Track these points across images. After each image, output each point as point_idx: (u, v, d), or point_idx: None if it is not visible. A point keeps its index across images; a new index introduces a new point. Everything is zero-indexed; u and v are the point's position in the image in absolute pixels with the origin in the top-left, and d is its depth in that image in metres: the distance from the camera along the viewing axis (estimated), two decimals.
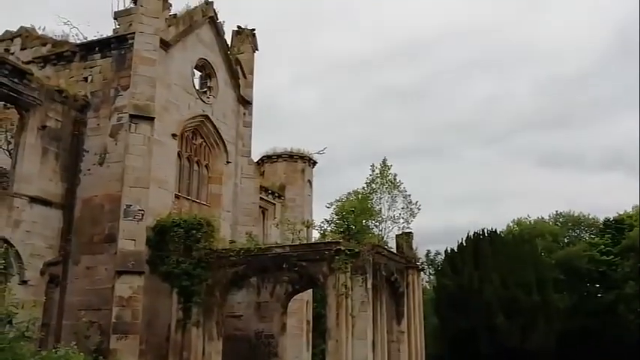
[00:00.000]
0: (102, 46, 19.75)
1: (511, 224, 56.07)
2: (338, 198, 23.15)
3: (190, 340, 17.94)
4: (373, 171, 24.73)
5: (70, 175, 18.50)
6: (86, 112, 19.15)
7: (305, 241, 20.60)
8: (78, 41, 20.23)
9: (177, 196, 20.60)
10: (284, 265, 18.38)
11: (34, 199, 17.15)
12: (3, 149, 18.87)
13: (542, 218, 56.44)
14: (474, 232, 44.08)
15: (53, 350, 11.38)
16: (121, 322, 16.76)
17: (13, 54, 19.86)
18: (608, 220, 50.23)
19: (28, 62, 19.64)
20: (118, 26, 19.74)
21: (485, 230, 44.18)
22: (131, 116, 18.34)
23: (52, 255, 17.58)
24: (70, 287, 17.79)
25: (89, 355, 12.99)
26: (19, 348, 10.52)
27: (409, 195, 24.43)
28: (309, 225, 22.98)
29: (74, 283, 17.81)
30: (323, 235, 20.13)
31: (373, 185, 24.19)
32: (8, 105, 18.20)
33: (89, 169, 18.70)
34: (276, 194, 29.54)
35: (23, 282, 16.34)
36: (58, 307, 17.51)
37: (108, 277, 17.38)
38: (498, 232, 45.82)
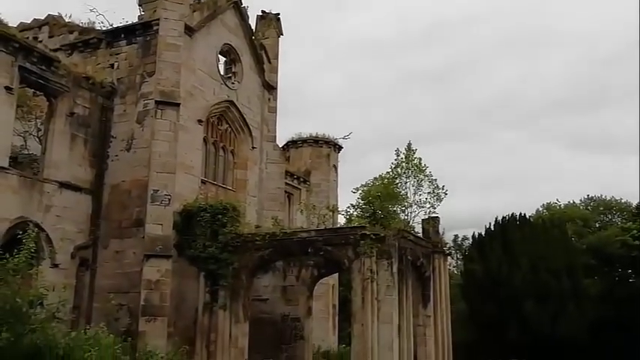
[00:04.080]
0: (127, 32, 19.92)
1: (540, 209, 55.17)
2: (364, 183, 23.03)
3: (217, 322, 18.20)
4: (398, 155, 24.46)
5: (99, 161, 18.79)
6: (113, 99, 19.39)
7: (330, 226, 20.62)
8: (104, 28, 20.46)
9: (203, 182, 20.77)
10: (309, 250, 18.47)
11: (63, 185, 17.47)
12: (33, 136, 19.21)
13: (573, 202, 55.38)
14: (502, 217, 43.55)
15: (83, 331, 11.59)
16: (150, 304, 17.04)
17: (41, 42, 20.15)
18: None
19: (56, 50, 19.92)
20: (142, 13, 19.87)
21: (514, 214, 43.61)
22: (157, 102, 18.48)
23: (82, 239, 17.94)
24: (99, 270, 18.15)
25: (118, 337, 13.20)
26: (50, 329, 10.75)
27: (435, 179, 24.11)
28: (334, 210, 22.97)
29: (104, 266, 18.16)
30: (349, 221, 20.08)
31: (398, 170, 23.95)
32: (37, 92, 18.50)
33: (117, 155, 18.97)
34: (302, 179, 29.62)
35: (54, 265, 16.70)
36: (89, 290, 17.89)
37: (136, 260, 17.66)
38: (527, 216, 45.17)
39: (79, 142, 18.20)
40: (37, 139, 18.95)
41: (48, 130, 17.73)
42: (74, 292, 17.21)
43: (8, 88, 15.91)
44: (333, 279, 28.04)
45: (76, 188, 17.92)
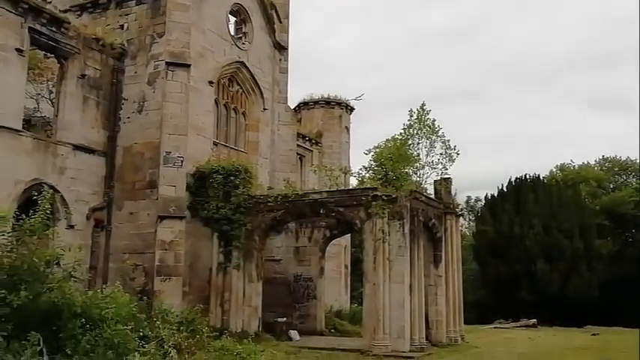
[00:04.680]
0: None
1: (554, 170, 54.82)
2: (376, 144, 22.78)
3: (231, 282, 18.51)
4: (411, 116, 24.18)
5: (111, 123, 18.80)
6: (123, 60, 19.26)
7: (342, 188, 20.64)
8: None
9: (215, 143, 20.79)
10: (321, 211, 18.59)
11: (77, 147, 17.56)
12: (45, 98, 19.24)
13: (588, 163, 54.92)
14: (516, 178, 43.37)
15: (99, 290, 11.81)
16: (164, 264, 17.32)
17: (50, 2, 19.93)
18: None
19: (65, 11, 19.76)
20: None
21: (527, 176, 43.40)
22: (167, 63, 18.38)
23: (96, 200, 18.11)
24: (114, 231, 18.37)
25: (134, 296, 13.44)
26: (68, 288, 10.94)
27: (448, 140, 23.85)
28: (346, 171, 22.91)
29: (118, 227, 18.38)
30: (361, 182, 20.02)
31: (411, 130, 23.70)
32: (47, 54, 18.44)
33: (128, 117, 18.96)
34: (314, 141, 29.54)
35: (70, 227, 16.93)
36: (104, 250, 18.15)
37: (150, 221, 17.86)
38: (541, 177, 44.91)
39: (90, 104, 18.21)
40: (50, 102, 18.99)
41: (60, 92, 17.73)
42: (90, 253, 17.51)
43: (19, 50, 15.87)
44: (346, 240, 28.26)
45: (89, 150, 18.02)
